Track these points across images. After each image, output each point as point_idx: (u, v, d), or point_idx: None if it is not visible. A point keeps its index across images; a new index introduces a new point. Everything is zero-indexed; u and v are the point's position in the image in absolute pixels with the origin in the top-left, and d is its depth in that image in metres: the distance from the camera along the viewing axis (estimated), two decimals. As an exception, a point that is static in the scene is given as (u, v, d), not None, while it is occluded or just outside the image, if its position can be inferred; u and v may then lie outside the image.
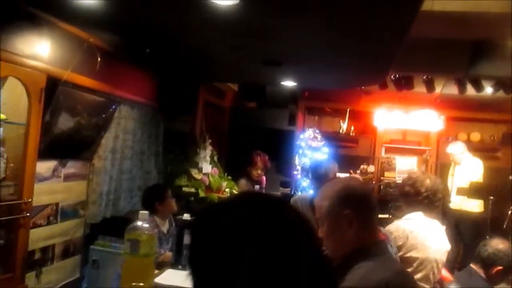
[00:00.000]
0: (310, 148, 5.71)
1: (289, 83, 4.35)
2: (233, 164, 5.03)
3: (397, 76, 5.36)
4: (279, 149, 5.53)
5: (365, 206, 1.52)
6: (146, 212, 1.89)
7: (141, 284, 1.74)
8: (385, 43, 2.87)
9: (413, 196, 2.64)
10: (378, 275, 1.39)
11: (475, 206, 5.47)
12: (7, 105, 2.73)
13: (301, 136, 5.93)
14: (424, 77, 5.31)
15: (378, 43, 2.86)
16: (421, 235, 2.51)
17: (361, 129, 7.63)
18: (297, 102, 6.41)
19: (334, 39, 2.80)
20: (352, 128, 7.51)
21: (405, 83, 5.43)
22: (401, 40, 2.77)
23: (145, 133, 4.25)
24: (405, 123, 7.31)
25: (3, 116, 2.63)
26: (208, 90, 5.05)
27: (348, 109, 7.45)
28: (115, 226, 4.01)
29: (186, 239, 2.42)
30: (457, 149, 5.74)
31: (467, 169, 5.62)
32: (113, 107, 3.64)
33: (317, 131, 5.97)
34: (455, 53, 4.67)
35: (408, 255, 2.41)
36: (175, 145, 4.52)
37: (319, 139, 5.83)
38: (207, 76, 4.51)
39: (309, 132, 5.81)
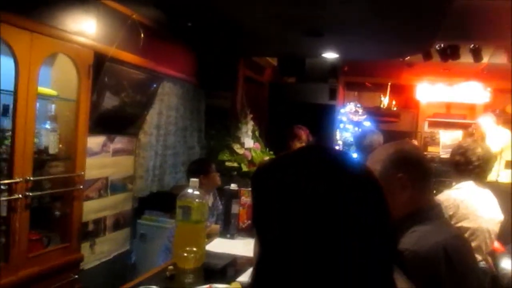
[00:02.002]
0: (352, 122, 5.62)
1: (330, 55, 4.27)
2: (273, 139, 5.03)
3: (442, 45, 5.16)
4: (319, 124, 5.47)
5: (419, 169, 1.48)
6: (196, 179, 1.92)
7: (194, 249, 1.78)
8: (431, 8, 2.76)
9: (464, 165, 2.57)
10: (434, 238, 1.36)
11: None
12: (58, 82, 2.82)
13: (342, 110, 5.84)
14: (471, 46, 5.09)
15: (424, 9, 2.75)
16: (473, 205, 2.45)
17: (403, 103, 7.46)
18: (338, 76, 6.30)
19: (378, 4, 2.71)
20: (394, 102, 7.34)
21: (450, 53, 5.22)
22: (448, 5, 2.65)
23: (187, 109, 4.30)
24: (449, 96, 7.08)
25: (54, 93, 2.72)
26: (248, 66, 5.04)
27: (389, 83, 7.27)
28: (161, 200, 4.14)
29: (234, 209, 2.46)
30: (484, 121, 5.60)
31: (493, 140, 5.42)
32: (157, 83, 3.69)
33: (358, 105, 5.86)
34: (505, 19, 4.43)
35: (459, 224, 2.37)
36: (217, 121, 4.56)
37: (360, 113, 5.74)
38: (247, 50, 4.48)
39: (350, 106, 5.72)
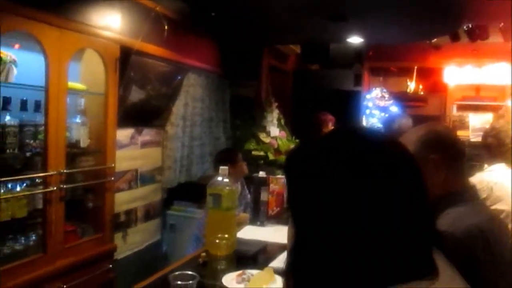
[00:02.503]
0: (378, 108, 5.54)
1: (355, 40, 4.21)
2: (298, 127, 5.01)
3: (470, 26, 5.01)
4: (345, 110, 5.42)
5: (452, 150, 1.45)
6: (226, 167, 1.93)
7: (226, 236, 1.80)
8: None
9: (497, 148, 2.51)
10: (470, 220, 1.34)
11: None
12: (86, 77, 2.88)
13: (368, 96, 5.76)
14: (501, 25, 4.92)
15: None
16: (507, 187, 2.39)
17: (430, 87, 7.28)
18: (362, 62, 6.21)
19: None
20: (420, 86, 7.18)
21: (479, 33, 5.06)
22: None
23: (213, 100, 4.32)
24: (479, 78, 6.87)
25: (84, 87, 2.78)
26: (271, 54, 5.02)
27: (416, 67, 7.12)
28: (189, 191, 4.20)
29: (263, 196, 2.47)
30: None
31: None
32: (181, 75, 3.72)
33: (384, 90, 5.77)
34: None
35: (493, 207, 2.31)
36: (242, 111, 4.57)
37: (387, 98, 5.65)
38: (271, 38, 4.46)
39: (376, 92, 5.64)
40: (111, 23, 2.82)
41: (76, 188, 2.78)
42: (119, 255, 3.17)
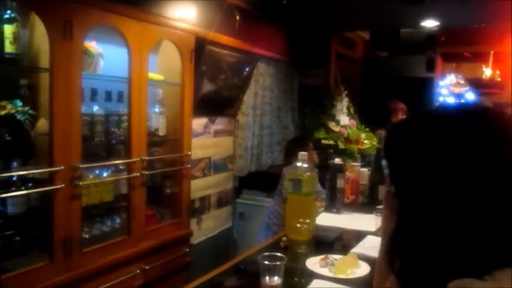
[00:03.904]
0: (453, 94, 5.30)
1: (430, 23, 4.04)
2: (367, 115, 4.91)
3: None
4: (416, 98, 5.22)
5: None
6: (305, 153, 1.94)
7: (307, 220, 1.81)
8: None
9: None
10: None
11: None
12: (163, 68, 2.99)
13: (441, 83, 5.52)
14: None
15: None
16: None
17: (508, 73, 6.85)
18: (434, 47, 5.94)
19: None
20: (497, 72, 6.77)
21: None
22: None
23: (281, 89, 4.34)
24: None
25: (162, 78, 2.88)
26: (339, 42, 4.94)
27: (492, 52, 6.71)
28: (258, 179, 4.25)
29: (339, 183, 2.45)
30: None
31: None
32: (252, 64, 3.76)
33: (459, 76, 5.49)
34: None
35: None
36: (310, 99, 4.54)
37: (462, 84, 5.38)
38: (339, 25, 4.39)
39: (451, 78, 5.38)
40: (186, 15, 2.90)
41: (155, 174, 2.91)
42: (194, 240, 3.28)
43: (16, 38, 1.95)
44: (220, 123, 3.62)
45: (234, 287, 1.50)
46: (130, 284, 2.53)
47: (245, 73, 3.70)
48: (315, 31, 4.38)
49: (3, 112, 1.91)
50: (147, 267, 2.64)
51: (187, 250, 3.00)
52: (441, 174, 0.73)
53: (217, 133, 3.58)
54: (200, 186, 3.43)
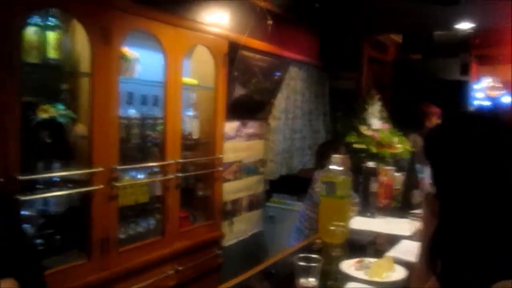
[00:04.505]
0: (488, 98, 5.17)
1: (464, 25, 3.96)
2: (398, 118, 4.84)
3: None
4: (449, 101, 5.12)
5: None
6: (339, 156, 1.94)
7: (342, 223, 1.80)
8: None
9: None
10: None
11: None
12: (196, 72, 3.04)
13: (476, 86, 5.39)
14: None
15: None
16: None
17: (547, 76, 6.63)
18: (469, 50, 5.82)
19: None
20: (536, 75, 6.56)
21: None
22: None
23: (312, 93, 4.34)
24: None
25: (196, 82, 2.93)
26: (371, 45, 4.90)
27: (530, 54, 6.51)
28: (288, 183, 4.25)
29: (373, 187, 2.43)
30: None
31: None
32: (284, 68, 3.78)
33: (497, 79, 5.36)
34: None
35: None
36: (342, 103, 4.51)
37: (498, 87, 5.24)
38: (371, 28, 4.35)
39: (488, 81, 5.25)
40: (219, 20, 2.95)
41: (188, 177, 2.95)
42: (226, 242, 3.31)
43: (58, 45, 2.03)
44: (252, 127, 3.65)
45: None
46: (164, 285, 2.58)
47: (276, 77, 3.72)
48: (347, 34, 4.36)
49: (45, 115, 1.99)
50: (180, 268, 2.68)
51: (219, 252, 3.03)
52: (482, 174, 0.74)
53: (249, 137, 3.61)
54: (231, 189, 3.46)
